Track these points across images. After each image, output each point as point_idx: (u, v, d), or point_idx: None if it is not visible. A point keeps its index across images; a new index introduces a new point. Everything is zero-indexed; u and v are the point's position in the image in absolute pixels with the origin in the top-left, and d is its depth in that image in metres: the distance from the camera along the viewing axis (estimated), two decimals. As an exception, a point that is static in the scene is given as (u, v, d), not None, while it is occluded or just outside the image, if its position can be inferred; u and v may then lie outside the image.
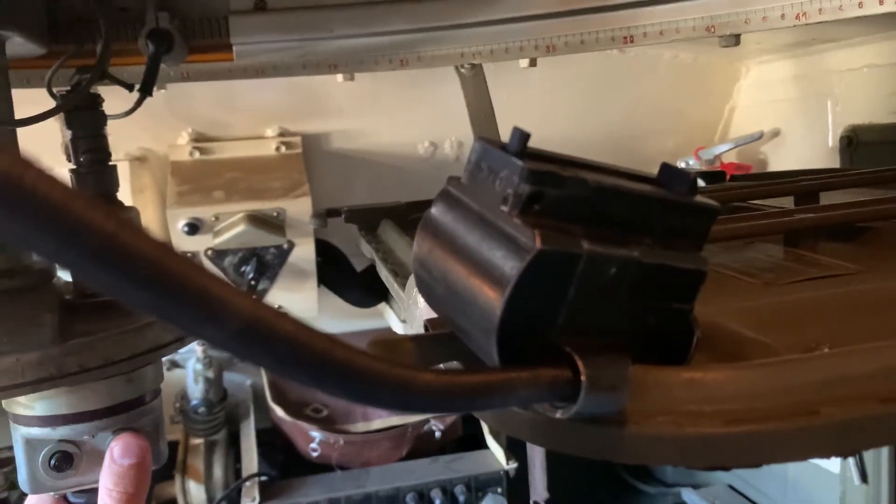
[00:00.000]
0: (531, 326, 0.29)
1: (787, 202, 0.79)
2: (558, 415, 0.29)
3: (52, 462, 0.56)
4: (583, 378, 0.28)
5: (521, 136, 0.29)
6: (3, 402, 0.56)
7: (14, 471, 0.65)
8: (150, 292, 0.16)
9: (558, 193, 0.29)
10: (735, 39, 0.85)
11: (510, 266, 0.28)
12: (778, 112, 1.59)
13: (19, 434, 0.57)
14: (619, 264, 0.29)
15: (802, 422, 0.29)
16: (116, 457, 0.55)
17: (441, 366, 0.37)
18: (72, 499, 0.59)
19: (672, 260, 0.31)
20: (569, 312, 0.29)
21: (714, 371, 0.31)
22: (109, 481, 0.55)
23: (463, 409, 0.26)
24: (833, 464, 1.26)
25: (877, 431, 0.31)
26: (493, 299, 0.28)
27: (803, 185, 0.81)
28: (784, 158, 1.59)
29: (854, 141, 1.33)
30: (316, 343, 0.19)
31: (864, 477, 1.16)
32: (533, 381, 0.27)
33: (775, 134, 1.59)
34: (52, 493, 0.58)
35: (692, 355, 0.33)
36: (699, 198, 0.32)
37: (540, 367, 0.28)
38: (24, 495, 0.60)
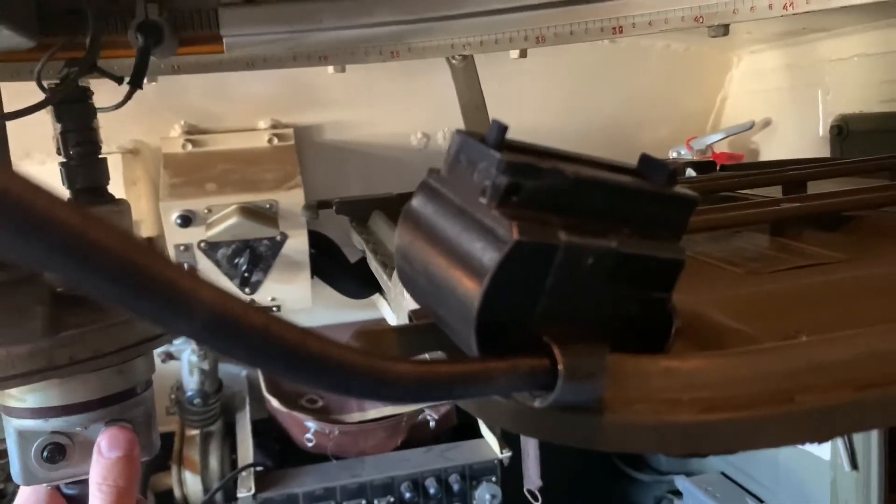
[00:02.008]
0: (510, 316, 0.29)
1: (776, 192, 0.80)
2: (536, 403, 0.29)
3: (45, 454, 0.57)
4: (560, 367, 0.28)
5: (500, 127, 0.29)
6: (-5, 394, 0.57)
7: (8, 463, 0.65)
8: (116, 285, 0.16)
9: (536, 185, 0.29)
10: (724, 30, 0.86)
11: (488, 257, 0.28)
12: (769, 102, 1.59)
13: (11, 426, 0.57)
14: (596, 254, 0.30)
15: (778, 409, 0.30)
16: (104, 450, 0.56)
17: (426, 356, 0.38)
18: (64, 490, 0.59)
19: (650, 250, 0.31)
20: (547, 302, 0.29)
21: (691, 359, 0.32)
22: (98, 475, 0.55)
23: (440, 398, 0.27)
24: (824, 450, 1.27)
25: (851, 418, 0.31)
26: (471, 290, 0.28)
27: (791, 174, 0.81)
28: (775, 148, 1.59)
29: (844, 130, 1.34)
30: (288, 334, 0.20)
31: (854, 463, 1.17)
32: (511, 370, 0.28)
33: (766, 123, 1.60)
34: (45, 485, 0.58)
35: (671, 344, 0.33)
36: (678, 188, 0.32)
37: (518, 357, 0.28)
38: (18, 489, 0.60)
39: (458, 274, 0.29)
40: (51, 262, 0.15)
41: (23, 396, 0.57)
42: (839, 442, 1.19)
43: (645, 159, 0.33)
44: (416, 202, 0.33)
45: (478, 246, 0.29)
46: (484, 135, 0.30)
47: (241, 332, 0.18)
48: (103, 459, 0.56)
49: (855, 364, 0.32)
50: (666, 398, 0.31)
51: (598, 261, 0.30)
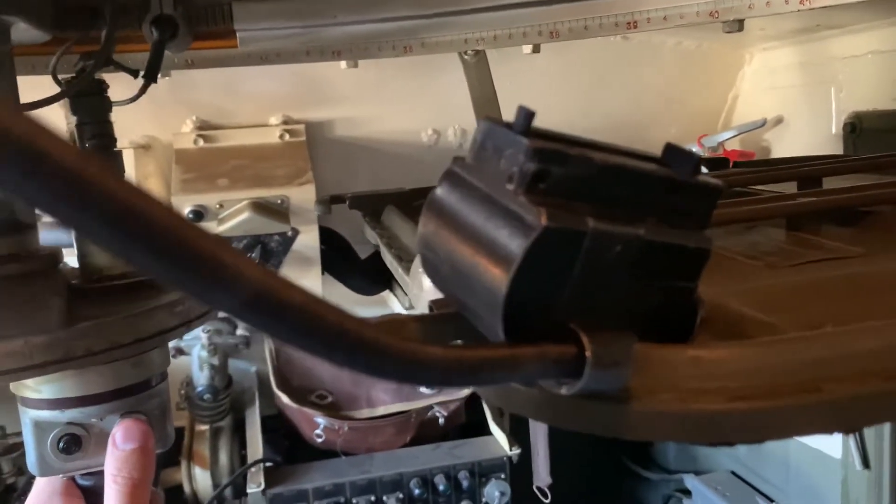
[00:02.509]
0: (536, 303, 0.29)
1: (790, 188, 0.79)
2: (563, 391, 0.29)
3: (61, 444, 0.57)
4: (588, 354, 0.28)
5: (527, 114, 0.29)
6: (11, 385, 0.57)
7: (22, 456, 0.65)
8: (164, 260, 0.16)
9: (564, 172, 0.29)
10: (739, 25, 0.85)
11: (516, 244, 0.28)
12: (781, 99, 1.59)
13: (28, 417, 0.57)
14: (624, 242, 0.30)
15: (805, 398, 0.30)
16: (119, 442, 0.56)
17: (447, 345, 0.38)
18: (80, 481, 0.60)
19: (676, 238, 0.31)
20: (574, 290, 0.29)
21: (718, 349, 0.31)
22: (113, 467, 0.55)
23: (468, 383, 0.27)
24: (835, 449, 1.26)
25: (879, 408, 0.31)
26: (498, 277, 0.28)
27: (806, 170, 0.81)
28: (787, 146, 1.59)
29: (857, 128, 1.33)
30: (327, 313, 0.20)
31: (865, 462, 1.17)
32: (538, 356, 0.28)
33: (779, 121, 1.59)
34: (60, 476, 0.59)
35: (696, 333, 0.33)
36: (703, 177, 0.32)
37: (545, 344, 0.28)
38: (31, 480, 0.60)
39: (485, 261, 0.29)
40: (99, 234, 0.15)
41: (39, 387, 0.57)
42: (850, 440, 1.18)
43: (670, 148, 0.33)
44: (441, 190, 0.32)
45: (504, 232, 0.29)
46: (510, 122, 0.30)
47: (281, 310, 0.18)
48: (118, 451, 0.56)
49: (883, 354, 0.31)
50: (692, 387, 0.30)
51: (626, 248, 0.30)
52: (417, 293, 0.55)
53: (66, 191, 0.14)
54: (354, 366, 0.21)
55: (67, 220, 0.15)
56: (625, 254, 0.30)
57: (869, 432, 1.16)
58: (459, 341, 0.36)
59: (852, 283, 0.48)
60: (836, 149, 1.39)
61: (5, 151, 0.13)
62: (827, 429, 0.31)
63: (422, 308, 0.45)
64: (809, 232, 0.63)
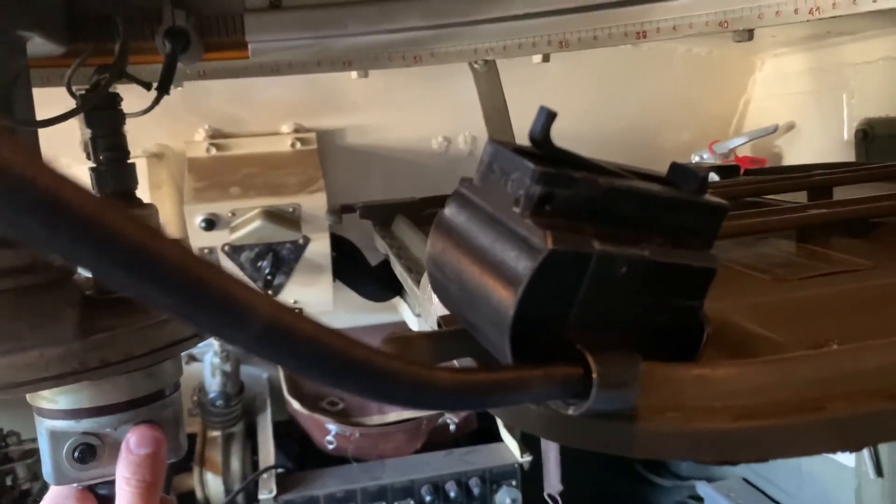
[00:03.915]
0: (543, 324, 0.29)
1: (801, 197, 0.79)
2: (570, 411, 0.30)
3: (76, 454, 0.58)
4: (594, 375, 0.28)
5: (548, 114, 0.29)
6: (28, 395, 0.58)
7: (36, 462, 0.66)
8: (176, 297, 0.17)
9: (569, 194, 0.29)
10: (748, 34, 0.85)
11: (523, 266, 0.28)
12: (793, 105, 1.58)
13: (43, 427, 0.58)
14: (629, 263, 0.30)
15: (809, 417, 0.30)
16: (132, 447, 0.57)
17: (455, 362, 0.38)
18: (95, 489, 0.60)
19: (682, 258, 0.31)
20: (580, 310, 0.30)
21: (723, 367, 0.32)
22: (127, 471, 0.56)
23: (477, 407, 0.27)
24: (848, 458, 1.26)
25: (883, 427, 0.31)
26: (506, 298, 0.29)
27: (817, 179, 0.81)
28: (799, 152, 1.58)
29: (869, 134, 1.33)
30: (335, 343, 0.20)
31: (879, 470, 1.16)
32: (546, 378, 0.28)
33: (790, 127, 1.59)
34: (75, 485, 0.59)
35: (702, 352, 0.33)
36: (709, 196, 0.33)
37: (552, 365, 0.29)
38: (45, 487, 0.61)
39: (492, 282, 0.29)
40: (115, 275, 0.16)
41: (55, 398, 0.58)
42: (864, 449, 1.17)
43: (675, 168, 0.33)
44: (449, 211, 0.33)
45: (512, 255, 0.29)
46: (517, 145, 0.31)
47: (292, 343, 0.19)
48: (132, 456, 0.57)
49: (887, 373, 0.32)
50: (698, 406, 0.31)
51: (631, 269, 0.30)
52: (427, 306, 0.55)
53: (82, 236, 0.14)
54: (365, 393, 0.22)
55: (81, 263, 0.15)
56: (631, 274, 0.30)
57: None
58: (469, 359, 0.37)
59: (860, 298, 0.48)
60: (848, 155, 1.39)
61: (25, 199, 0.14)
62: (832, 448, 0.31)
63: (431, 320, 0.45)
64: (819, 244, 0.63)
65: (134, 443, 0.57)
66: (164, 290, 0.16)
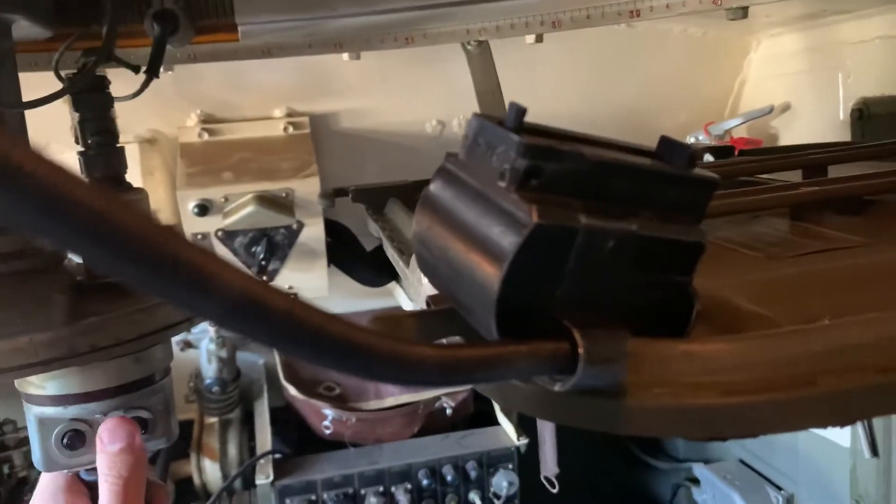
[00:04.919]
0: (530, 300, 0.29)
1: (796, 176, 0.79)
2: (557, 387, 0.29)
3: (65, 440, 0.57)
4: (581, 351, 0.28)
5: (518, 110, 0.29)
6: (16, 381, 0.57)
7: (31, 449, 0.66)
8: (142, 268, 0.16)
9: (556, 168, 0.29)
10: (742, 12, 0.85)
11: (508, 241, 0.28)
12: (789, 85, 1.57)
13: (32, 413, 0.58)
14: (617, 238, 0.29)
15: (799, 392, 0.30)
16: (105, 443, 0.56)
17: (443, 341, 0.38)
18: (84, 476, 0.60)
19: (670, 233, 0.31)
20: (567, 286, 0.29)
21: (712, 343, 0.31)
22: (104, 466, 0.56)
23: (462, 383, 0.27)
24: (844, 437, 1.26)
25: (874, 401, 0.31)
26: (491, 274, 0.28)
27: (811, 158, 0.80)
28: (795, 132, 1.57)
29: (865, 114, 1.32)
30: (311, 318, 0.20)
31: (874, 450, 1.16)
32: (531, 354, 0.28)
33: (786, 108, 1.58)
34: (65, 471, 0.59)
35: (692, 328, 0.33)
36: (698, 170, 0.32)
37: (538, 341, 0.28)
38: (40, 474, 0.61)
39: (478, 258, 0.29)
40: (76, 244, 0.15)
41: (43, 384, 0.58)
42: (859, 429, 1.18)
43: (665, 141, 0.32)
44: (434, 187, 0.32)
45: (497, 230, 0.28)
46: (502, 118, 0.30)
47: (264, 316, 0.18)
48: (104, 453, 0.56)
49: (877, 347, 0.31)
50: (686, 382, 0.30)
51: (619, 244, 0.30)
52: (417, 287, 0.55)
53: (40, 204, 0.14)
54: (344, 368, 0.21)
55: (41, 233, 0.15)
56: (618, 249, 0.30)
57: (877, 421, 1.15)
58: (457, 338, 0.36)
59: (853, 274, 0.47)
60: (843, 135, 1.38)
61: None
62: (822, 423, 0.30)
63: (421, 302, 0.45)
64: (812, 221, 0.62)
65: (106, 439, 0.56)
66: (128, 261, 0.16)
